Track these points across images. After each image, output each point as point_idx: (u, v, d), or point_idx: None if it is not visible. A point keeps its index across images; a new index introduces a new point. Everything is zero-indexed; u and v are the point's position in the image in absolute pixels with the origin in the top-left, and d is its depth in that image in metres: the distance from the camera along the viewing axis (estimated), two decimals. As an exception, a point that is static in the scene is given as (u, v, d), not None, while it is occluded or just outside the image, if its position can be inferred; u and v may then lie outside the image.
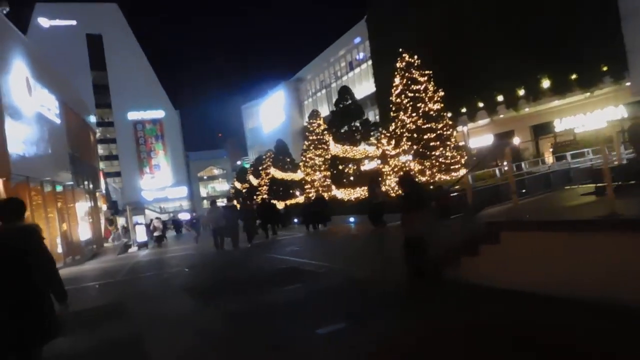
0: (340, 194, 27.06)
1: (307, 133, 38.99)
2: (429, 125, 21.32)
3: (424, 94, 21.73)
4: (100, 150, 72.61)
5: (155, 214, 63.55)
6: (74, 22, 78.33)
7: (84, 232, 24.39)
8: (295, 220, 32.47)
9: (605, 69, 20.62)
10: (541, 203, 9.60)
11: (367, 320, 5.93)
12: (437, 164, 20.72)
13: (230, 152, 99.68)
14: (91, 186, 29.62)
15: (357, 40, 51.09)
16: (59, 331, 3.98)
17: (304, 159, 38.39)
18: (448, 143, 21.26)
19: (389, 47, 28.96)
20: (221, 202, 34.54)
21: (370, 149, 28.31)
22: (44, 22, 76.39)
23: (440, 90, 21.93)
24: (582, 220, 5.73)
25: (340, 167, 29.38)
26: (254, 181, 50.04)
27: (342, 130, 29.13)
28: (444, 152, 21.00)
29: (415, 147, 21.24)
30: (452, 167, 20.87)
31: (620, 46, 19.20)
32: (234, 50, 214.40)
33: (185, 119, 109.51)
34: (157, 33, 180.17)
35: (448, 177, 20.54)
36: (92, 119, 37.98)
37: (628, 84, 20.19)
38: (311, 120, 38.89)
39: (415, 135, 21.39)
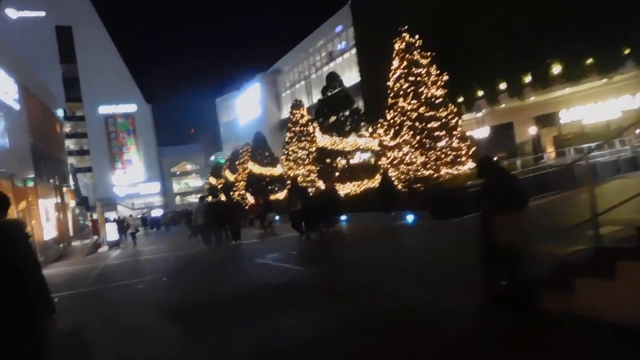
0: (328, 189, 24.91)
1: (289, 124, 36.58)
2: (433, 113, 19.22)
3: (426, 78, 19.63)
4: (72, 145, 71.11)
5: (127, 210, 61.17)
6: (42, 14, 75.98)
7: (48, 231, 22.13)
8: (277, 217, 30.18)
9: (627, 51, 18.75)
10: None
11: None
12: (443, 156, 18.62)
13: (204, 147, 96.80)
14: (58, 181, 27.18)
15: (339, 28, 48.99)
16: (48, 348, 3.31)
17: (286, 152, 36.02)
18: (454, 133, 19.16)
19: (378, 32, 26.89)
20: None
21: (361, 140, 26.16)
22: (11, 12, 74.14)
23: (444, 74, 19.71)
24: None
25: (328, 160, 27.10)
26: (230, 177, 47.52)
27: (330, 121, 26.90)
28: (450, 142, 18.88)
29: (417, 137, 19.12)
30: (458, 159, 18.81)
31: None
32: (208, 43, 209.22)
33: (157, 113, 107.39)
34: (129, 25, 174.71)
35: (453, 171, 18.54)
36: (61, 112, 35.58)
37: (653, 68, 18.51)
38: (294, 111, 36.45)
39: (417, 124, 19.28)
